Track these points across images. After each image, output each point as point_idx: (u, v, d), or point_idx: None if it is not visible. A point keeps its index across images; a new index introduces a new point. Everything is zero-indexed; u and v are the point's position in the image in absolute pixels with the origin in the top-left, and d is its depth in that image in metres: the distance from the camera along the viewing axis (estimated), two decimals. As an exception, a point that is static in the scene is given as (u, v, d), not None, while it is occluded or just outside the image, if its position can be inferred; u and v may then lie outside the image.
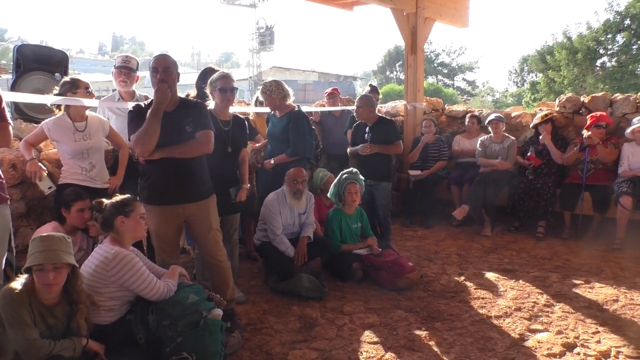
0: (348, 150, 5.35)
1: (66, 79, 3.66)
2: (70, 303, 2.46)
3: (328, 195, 4.64)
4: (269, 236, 4.22)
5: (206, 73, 3.95)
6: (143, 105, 3.10)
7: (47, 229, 3.12)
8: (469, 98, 35.67)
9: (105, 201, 2.88)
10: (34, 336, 2.30)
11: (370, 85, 6.28)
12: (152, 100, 3.01)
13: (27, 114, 4.50)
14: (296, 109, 4.52)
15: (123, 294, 2.76)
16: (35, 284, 2.36)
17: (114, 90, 4.32)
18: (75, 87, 3.55)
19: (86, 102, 3.55)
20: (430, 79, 39.74)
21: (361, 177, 4.57)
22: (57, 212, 3.35)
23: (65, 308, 2.46)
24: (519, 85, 36.10)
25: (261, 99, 4.70)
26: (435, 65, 42.48)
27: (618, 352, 3.03)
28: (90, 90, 3.64)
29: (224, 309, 3.02)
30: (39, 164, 3.50)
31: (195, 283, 3.17)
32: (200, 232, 3.26)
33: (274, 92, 4.42)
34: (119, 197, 2.87)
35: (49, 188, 3.54)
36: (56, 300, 2.43)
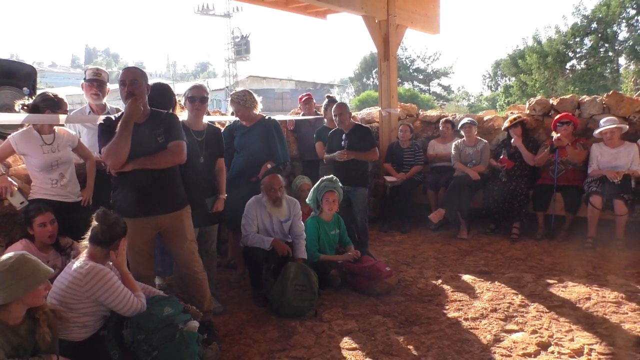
0: (324, 157, 5.36)
1: (50, 94, 3.51)
2: (32, 317, 2.41)
3: (307, 200, 4.64)
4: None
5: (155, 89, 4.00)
6: (113, 118, 3.08)
7: (18, 247, 3.06)
8: (445, 103, 36.05)
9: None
10: (0, 358, 2.24)
11: (328, 96, 6.24)
12: (122, 113, 3.00)
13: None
14: (266, 117, 4.52)
15: (97, 309, 2.72)
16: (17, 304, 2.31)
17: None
18: (57, 107, 3.46)
19: (53, 118, 3.46)
20: (407, 85, 40.11)
21: (340, 184, 4.59)
22: (25, 230, 3.28)
23: (29, 325, 2.40)
24: (493, 89, 36.65)
25: (231, 109, 4.66)
26: (411, 71, 42.90)
27: (591, 350, 3.09)
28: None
29: (201, 321, 3.01)
30: (9, 179, 3.43)
31: (170, 295, 3.13)
32: (175, 243, 3.24)
33: (247, 101, 4.39)
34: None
35: (21, 203, 3.47)
36: (21, 320, 2.37)
